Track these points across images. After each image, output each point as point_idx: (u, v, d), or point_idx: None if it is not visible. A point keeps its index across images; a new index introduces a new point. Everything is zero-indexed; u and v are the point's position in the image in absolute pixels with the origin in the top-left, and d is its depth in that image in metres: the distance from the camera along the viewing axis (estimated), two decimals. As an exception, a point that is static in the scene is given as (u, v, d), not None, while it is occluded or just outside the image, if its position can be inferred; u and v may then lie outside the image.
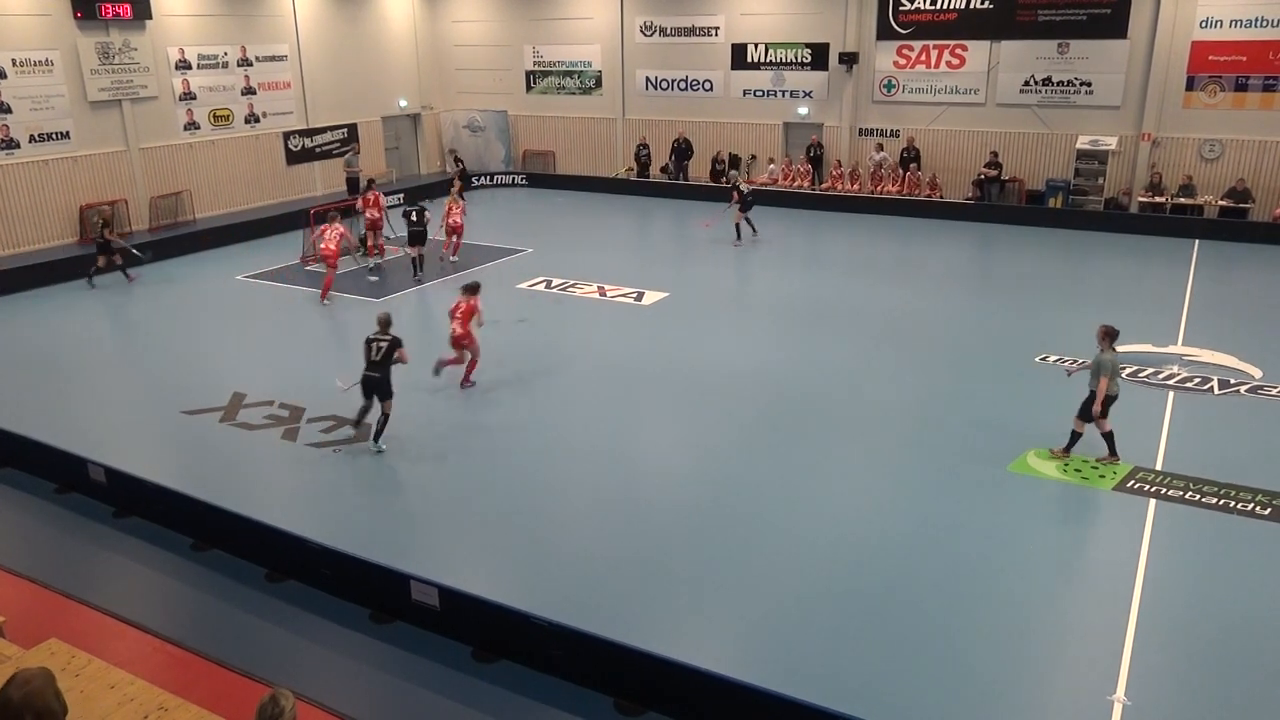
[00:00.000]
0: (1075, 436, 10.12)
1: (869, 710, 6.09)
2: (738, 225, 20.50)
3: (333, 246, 16.83)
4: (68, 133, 20.62)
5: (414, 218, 17.79)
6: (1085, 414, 10.02)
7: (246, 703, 4.62)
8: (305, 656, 7.38)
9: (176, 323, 16.49)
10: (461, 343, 12.35)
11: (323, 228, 17.17)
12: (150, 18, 21.53)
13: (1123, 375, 10.51)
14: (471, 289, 12.41)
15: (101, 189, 21.37)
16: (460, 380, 12.56)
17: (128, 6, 20.94)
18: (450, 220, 18.87)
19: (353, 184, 25.11)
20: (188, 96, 23.03)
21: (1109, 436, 10.02)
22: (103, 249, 18.01)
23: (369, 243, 19.30)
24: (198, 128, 23.35)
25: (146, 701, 5.20)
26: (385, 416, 10.62)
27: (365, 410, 10.74)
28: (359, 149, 26.72)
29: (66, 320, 16.04)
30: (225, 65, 23.80)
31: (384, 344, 10.49)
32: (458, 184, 19.98)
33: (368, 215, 19.31)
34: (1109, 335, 10.00)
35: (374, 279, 18.28)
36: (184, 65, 22.86)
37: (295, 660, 7.30)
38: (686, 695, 6.49)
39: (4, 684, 3.89)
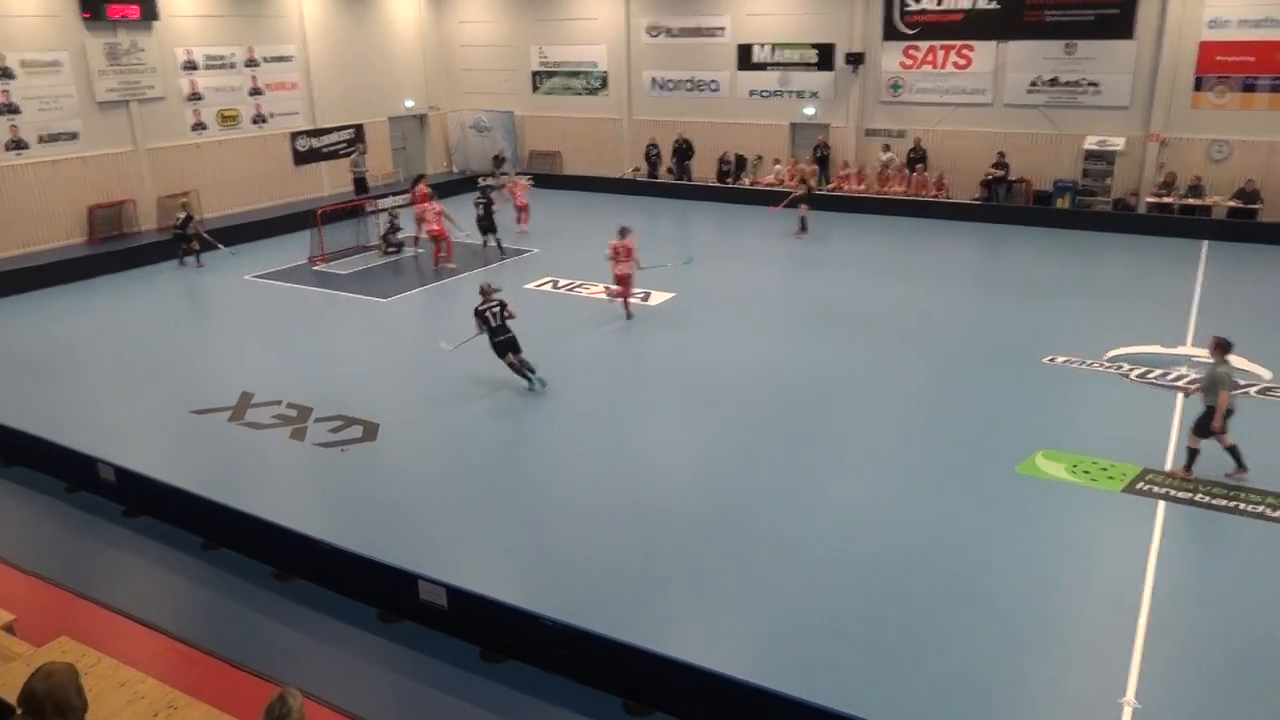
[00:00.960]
0: (1193, 454, 9.64)
1: (876, 712, 6.08)
2: (803, 219, 21.14)
3: (435, 226, 18.63)
4: (76, 133, 20.72)
5: (481, 210, 19.42)
6: (1202, 430, 9.57)
7: (255, 701, 4.63)
8: (313, 656, 7.39)
9: (185, 322, 16.56)
10: (625, 280, 14.82)
11: (420, 208, 19.15)
12: (157, 18, 21.63)
13: (1238, 386, 9.95)
14: (625, 231, 14.93)
15: (110, 189, 21.47)
16: (625, 315, 15.15)
17: (135, 7, 21.04)
18: (516, 200, 22.04)
19: (360, 184, 25.20)
20: (195, 97, 23.12)
21: (1234, 450, 9.61)
22: (180, 237, 19.05)
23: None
24: (205, 128, 23.44)
25: (156, 700, 5.23)
26: (521, 361, 12.02)
27: (523, 363, 12.07)
28: (364, 149, 26.78)
29: (75, 320, 16.10)
30: (232, 66, 23.89)
31: (497, 308, 11.70)
32: (514, 172, 23.59)
33: (418, 210, 19.86)
34: (1221, 347, 9.52)
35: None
36: (191, 66, 22.95)
37: (303, 659, 7.32)
38: (694, 696, 6.48)
39: (30, 675, 4.05)
